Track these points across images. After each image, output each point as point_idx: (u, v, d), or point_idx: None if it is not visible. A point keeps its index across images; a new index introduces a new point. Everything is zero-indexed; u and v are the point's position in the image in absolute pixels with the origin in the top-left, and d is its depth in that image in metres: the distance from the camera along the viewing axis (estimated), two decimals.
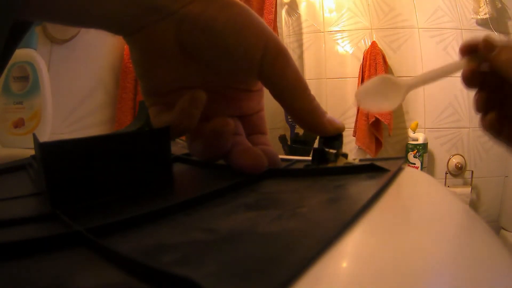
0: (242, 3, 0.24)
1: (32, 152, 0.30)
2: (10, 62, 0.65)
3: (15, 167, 0.31)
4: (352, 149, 1.69)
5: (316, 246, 0.12)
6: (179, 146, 0.43)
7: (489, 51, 0.32)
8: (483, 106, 0.36)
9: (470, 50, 0.34)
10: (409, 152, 1.59)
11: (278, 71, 0.24)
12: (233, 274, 0.10)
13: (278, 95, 0.25)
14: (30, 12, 0.20)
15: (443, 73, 0.33)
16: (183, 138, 0.41)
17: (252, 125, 0.30)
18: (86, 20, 0.23)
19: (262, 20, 0.25)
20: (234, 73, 0.26)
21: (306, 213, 0.16)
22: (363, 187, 0.21)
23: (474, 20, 1.58)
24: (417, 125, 1.59)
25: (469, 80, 0.35)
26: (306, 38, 1.82)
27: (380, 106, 0.34)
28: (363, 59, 1.66)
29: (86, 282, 0.11)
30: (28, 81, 0.62)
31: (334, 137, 0.27)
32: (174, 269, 0.10)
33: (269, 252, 0.12)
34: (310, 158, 0.29)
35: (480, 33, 1.57)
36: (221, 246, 0.13)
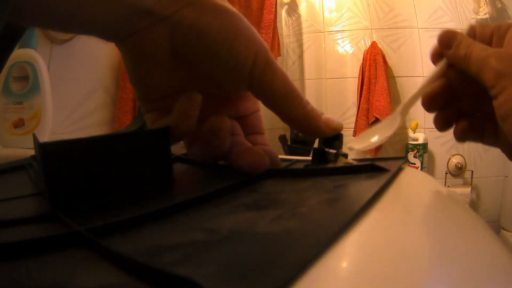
0: (234, 9, 0.24)
1: (32, 152, 0.30)
2: (10, 62, 0.65)
3: (15, 167, 0.31)
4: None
5: (316, 246, 0.12)
6: (179, 146, 0.43)
7: (446, 48, 0.27)
8: (455, 116, 0.31)
9: (438, 54, 0.29)
10: (409, 152, 1.59)
11: (267, 82, 0.24)
12: (233, 275, 0.10)
13: (269, 106, 0.25)
14: (21, 17, 0.20)
15: (424, 85, 0.29)
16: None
17: (250, 126, 0.30)
18: (77, 26, 0.23)
19: (253, 28, 0.25)
20: (225, 82, 0.26)
21: (306, 213, 0.16)
22: (363, 187, 0.21)
23: (474, 20, 1.58)
24: (417, 125, 1.59)
25: (435, 100, 0.30)
26: (306, 38, 1.82)
27: (380, 138, 0.30)
28: (363, 59, 1.66)
29: (86, 282, 0.11)
30: (28, 81, 0.61)
31: (334, 137, 0.27)
32: (175, 269, 0.10)
33: (269, 252, 0.12)
34: (310, 158, 0.29)
35: None
36: (221, 246, 0.13)
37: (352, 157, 0.29)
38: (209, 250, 0.12)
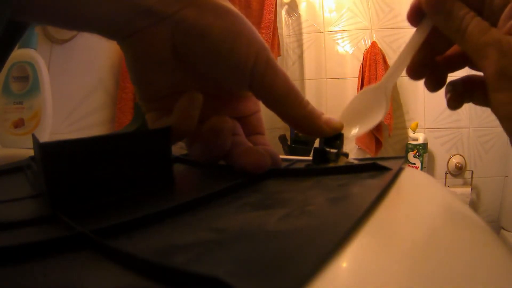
0: (235, 9, 0.24)
1: (32, 152, 0.30)
2: (10, 62, 0.64)
3: (12, 169, 0.31)
4: (352, 149, 1.69)
5: (332, 240, 0.12)
6: (177, 147, 0.43)
7: (434, 14, 0.24)
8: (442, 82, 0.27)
9: (419, 15, 0.25)
10: (409, 152, 1.59)
11: (267, 82, 0.24)
12: (253, 271, 0.10)
13: (270, 106, 0.25)
14: (23, 14, 0.20)
15: (407, 53, 0.26)
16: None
17: (250, 126, 0.30)
18: (79, 23, 0.23)
19: (254, 29, 0.25)
20: (226, 82, 0.26)
21: (315, 211, 0.16)
22: (367, 186, 0.21)
23: None
24: (417, 125, 1.59)
25: (421, 69, 0.27)
26: (306, 38, 1.82)
27: (370, 123, 0.28)
28: (363, 59, 1.66)
29: (98, 285, 0.11)
30: (28, 81, 0.61)
31: (334, 137, 0.27)
32: (192, 269, 0.10)
33: (285, 249, 0.12)
34: (310, 158, 0.29)
35: None
36: (233, 245, 0.13)
37: (352, 156, 0.29)
38: (222, 249, 0.12)
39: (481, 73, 0.23)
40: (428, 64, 0.27)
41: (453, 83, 0.28)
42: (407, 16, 0.26)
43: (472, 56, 0.23)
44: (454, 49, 0.27)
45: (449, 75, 0.28)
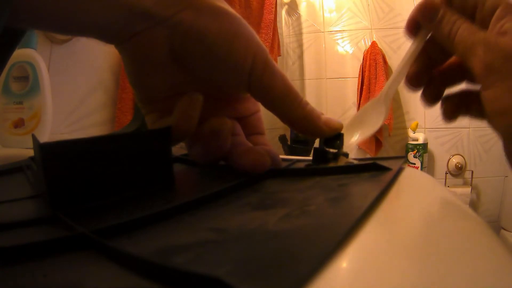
0: (233, 11, 0.24)
1: (32, 152, 0.30)
2: (10, 62, 0.64)
3: (12, 169, 0.31)
4: (352, 149, 1.69)
5: (332, 240, 0.12)
6: (177, 147, 0.43)
7: (428, 21, 0.26)
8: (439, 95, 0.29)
9: (416, 24, 0.27)
10: (409, 152, 1.59)
11: (265, 84, 0.24)
12: (252, 272, 0.10)
13: (269, 107, 0.25)
14: (19, 20, 0.20)
15: (406, 63, 0.28)
16: None
17: (250, 126, 0.30)
18: (76, 28, 0.23)
19: (252, 30, 0.25)
20: (224, 84, 0.26)
21: (315, 211, 0.16)
22: (368, 186, 0.21)
23: None
24: (417, 125, 1.59)
25: (419, 78, 0.28)
26: (306, 38, 1.82)
27: (370, 129, 0.29)
28: (363, 59, 1.66)
29: (97, 285, 0.11)
30: (28, 81, 0.61)
31: (335, 137, 0.27)
32: (192, 269, 0.10)
33: (285, 248, 0.12)
34: (310, 158, 0.29)
35: None
36: (233, 245, 0.13)
37: (352, 156, 0.29)
38: (222, 249, 0.12)
39: (478, 87, 0.24)
40: (425, 75, 0.28)
41: (449, 95, 0.29)
42: (405, 29, 0.28)
43: (462, 58, 0.24)
44: (450, 62, 0.28)
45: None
